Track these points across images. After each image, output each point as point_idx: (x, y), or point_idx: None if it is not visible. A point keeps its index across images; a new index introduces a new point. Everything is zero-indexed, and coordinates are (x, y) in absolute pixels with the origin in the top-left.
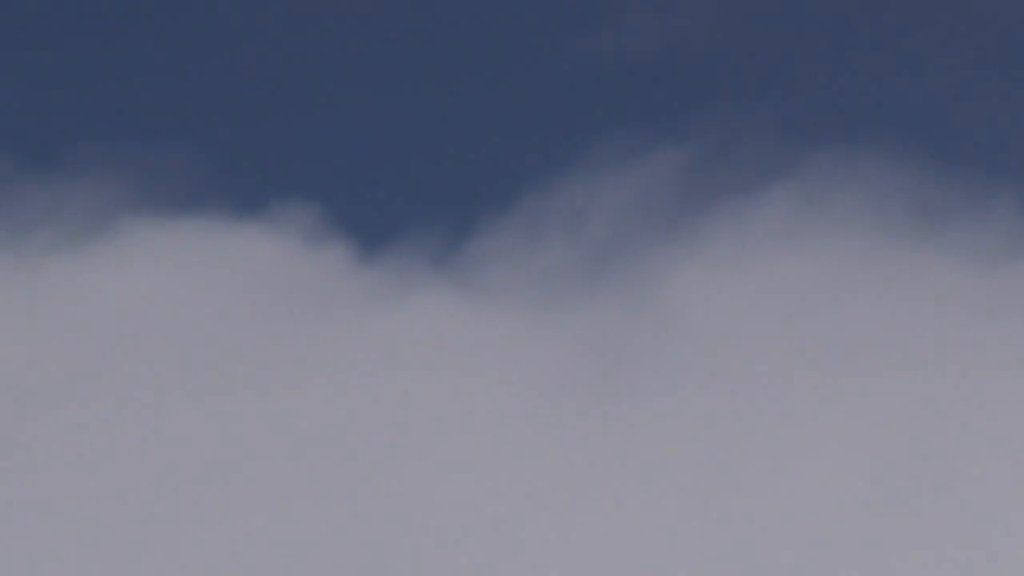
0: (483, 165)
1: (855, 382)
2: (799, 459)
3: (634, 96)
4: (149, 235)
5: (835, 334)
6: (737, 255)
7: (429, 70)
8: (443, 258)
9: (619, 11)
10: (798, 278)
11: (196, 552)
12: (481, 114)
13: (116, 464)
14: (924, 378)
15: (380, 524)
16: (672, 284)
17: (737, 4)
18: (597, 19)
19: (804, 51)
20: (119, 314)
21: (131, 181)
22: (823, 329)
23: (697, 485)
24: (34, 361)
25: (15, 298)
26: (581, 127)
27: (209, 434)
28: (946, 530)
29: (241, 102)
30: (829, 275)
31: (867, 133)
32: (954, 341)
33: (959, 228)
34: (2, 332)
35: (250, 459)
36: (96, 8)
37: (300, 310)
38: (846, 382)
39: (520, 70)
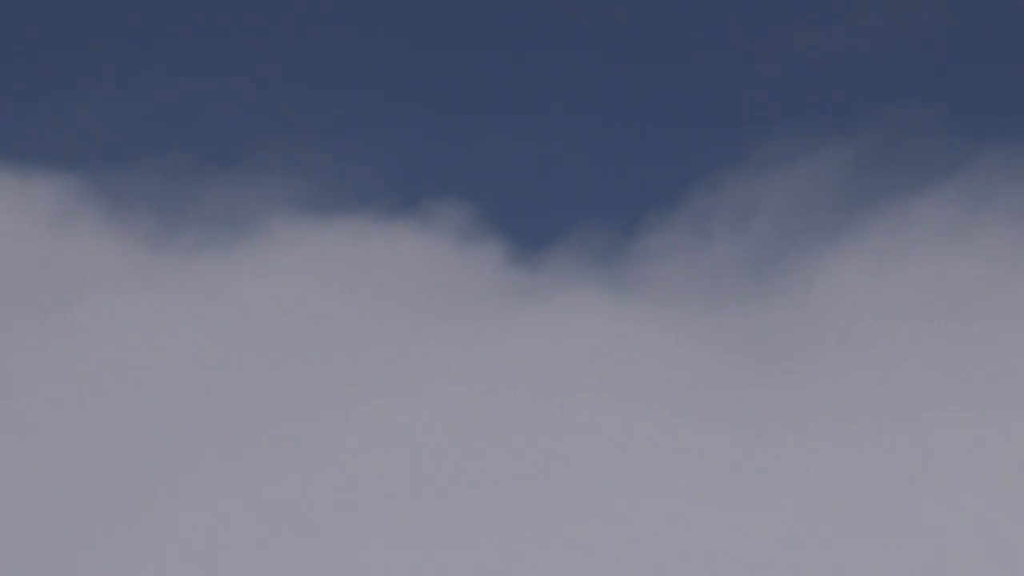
0: (651, 162)
1: (1019, 384)
2: (953, 461)
3: (802, 94)
4: (302, 233)
5: (998, 334)
6: (903, 253)
7: (594, 67)
8: (606, 256)
9: (787, 13)
10: (964, 276)
11: (340, 546)
12: (649, 110)
13: (267, 459)
14: None
15: (536, 520)
16: (836, 282)
17: (905, 3)
18: (763, 21)
19: (972, 49)
20: (269, 312)
21: (288, 179)
22: (987, 329)
23: (852, 484)
24: (185, 356)
25: (166, 294)
26: (749, 124)
27: (359, 431)
28: None
29: (398, 101)
30: (995, 274)
31: None
32: None
33: None
34: (154, 326)
35: (401, 456)
36: (278, 10)
37: (452, 308)
38: (1008, 384)
39: (688, 68)
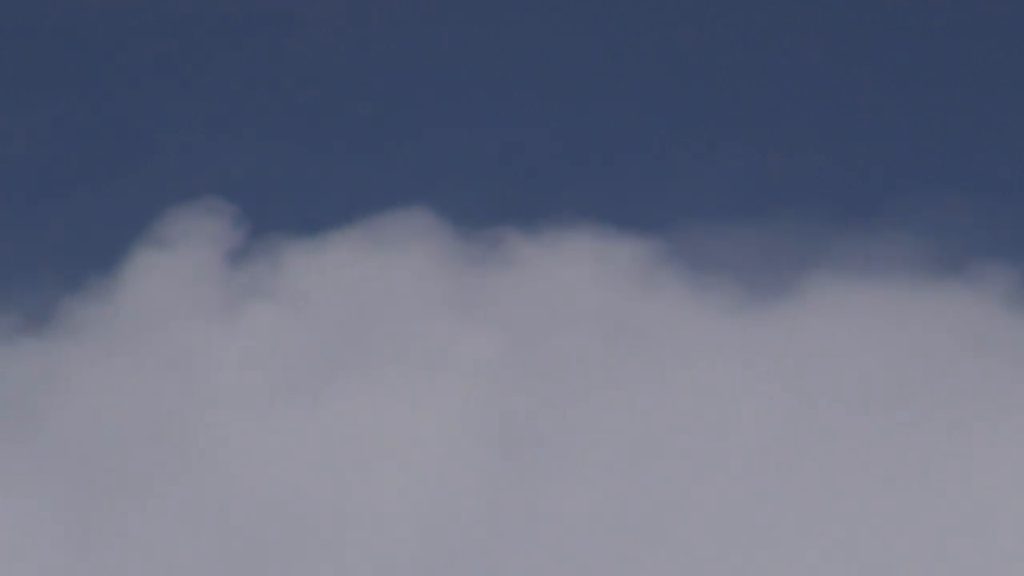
0: None
1: None
2: None
3: None
4: (835, 289)
5: None
6: None
7: None
8: None
9: None
10: None
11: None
12: None
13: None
14: None
15: None
16: None
17: None
18: None
19: None
20: (839, 372)
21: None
22: None
23: None
24: (758, 419)
25: (741, 356)
26: None
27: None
28: None
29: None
30: None
31: None
32: None
33: None
34: (732, 389)
35: None
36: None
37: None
38: None
39: None
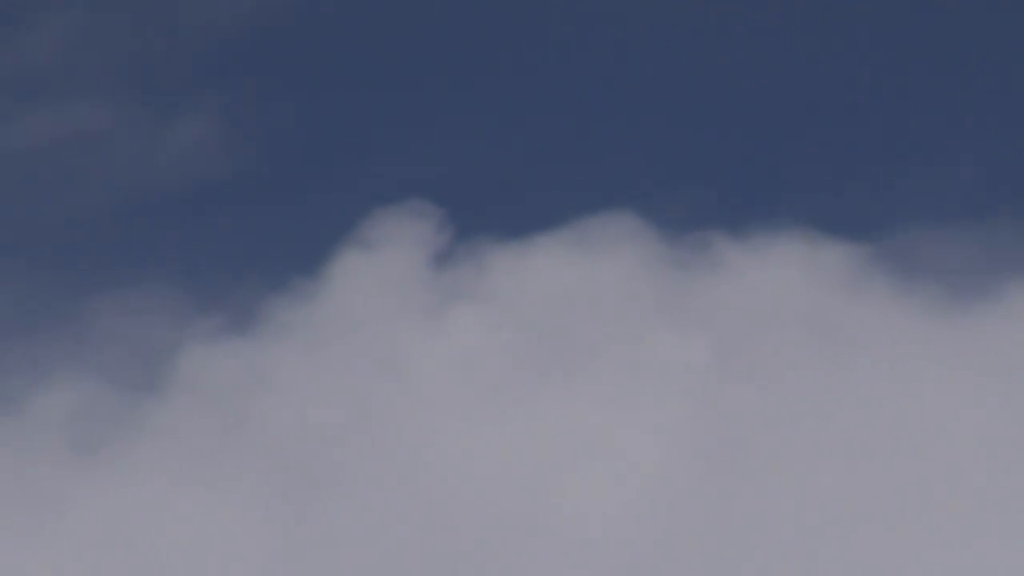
0: None
1: None
2: None
3: None
4: None
5: None
6: None
7: None
8: None
9: None
10: None
11: None
12: None
13: None
14: None
15: None
16: None
17: None
18: None
19: None
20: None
21: None
22: None
23: None
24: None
25: (947, 362)
26: None
27: None
28: None
29: None
30: None
31: None
32: None
33: None
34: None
35: None
36: None
37: None
38: None
39: None
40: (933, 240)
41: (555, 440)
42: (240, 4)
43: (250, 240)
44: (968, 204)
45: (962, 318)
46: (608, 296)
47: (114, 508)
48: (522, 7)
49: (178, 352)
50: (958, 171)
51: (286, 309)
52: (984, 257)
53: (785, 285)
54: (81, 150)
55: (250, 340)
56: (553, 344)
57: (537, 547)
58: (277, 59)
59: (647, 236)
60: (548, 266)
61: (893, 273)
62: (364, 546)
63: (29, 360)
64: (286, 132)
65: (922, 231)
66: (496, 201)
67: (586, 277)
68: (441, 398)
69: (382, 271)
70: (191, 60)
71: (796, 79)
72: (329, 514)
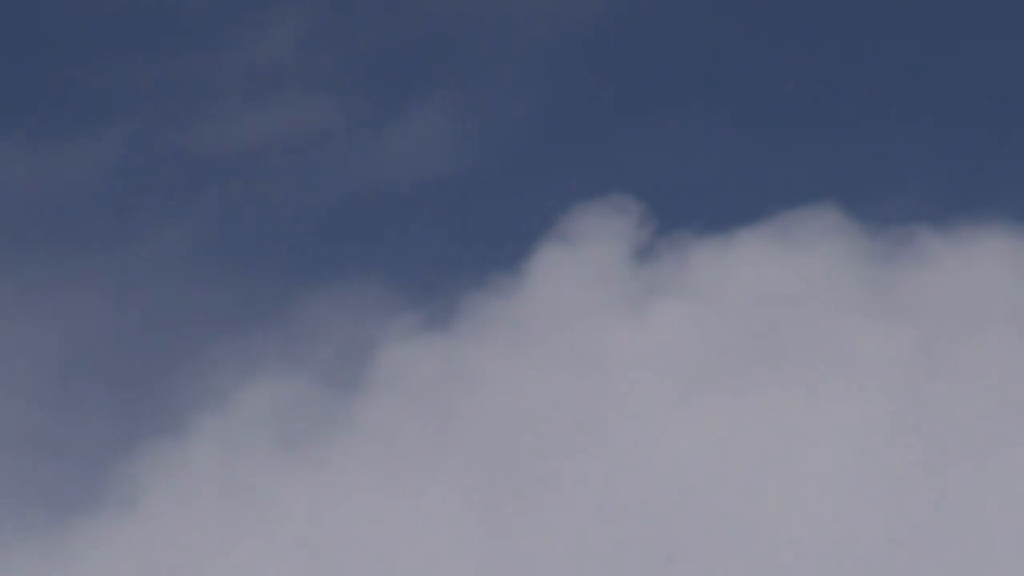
0: None
1: None
2: None
3: None
4: None
5: None
6: None
7: None
8: None
9: None
10: None
11: None
12: None
13: None
14: None
15: None
16: None
17: None
18: None
19: None
20: None
21: None
22: None
23: None
24: None
25: None
26: None
27: None
28: None
29: None
30: None
31: None
32: None
33: None
34: None
35: None
36: None
37: None
38: None
39: None
40: None
41: (758, 436)
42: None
43: (453, 236)
44: None
45: None
46: (811, 290)
47: (319, 503)
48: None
49: (381, 348)
50: None
51: (486, 305)
52: None
53: (991, 279)
54: (310, 147)
55: (452, 336)
56: (756, 339)
57: (741, 546)
58: (503, 56)
59: (850, 230)
60: (750, 260)
61: None
62: (567, 541)
63: (239, 356)
64: (488, 126)
65: None
66: (698, 195)
67: (789, 271)
68: (643, 393)
69: (583, 266)
70: (420, 57)
71: (1006, 71)
72: (533, 509)
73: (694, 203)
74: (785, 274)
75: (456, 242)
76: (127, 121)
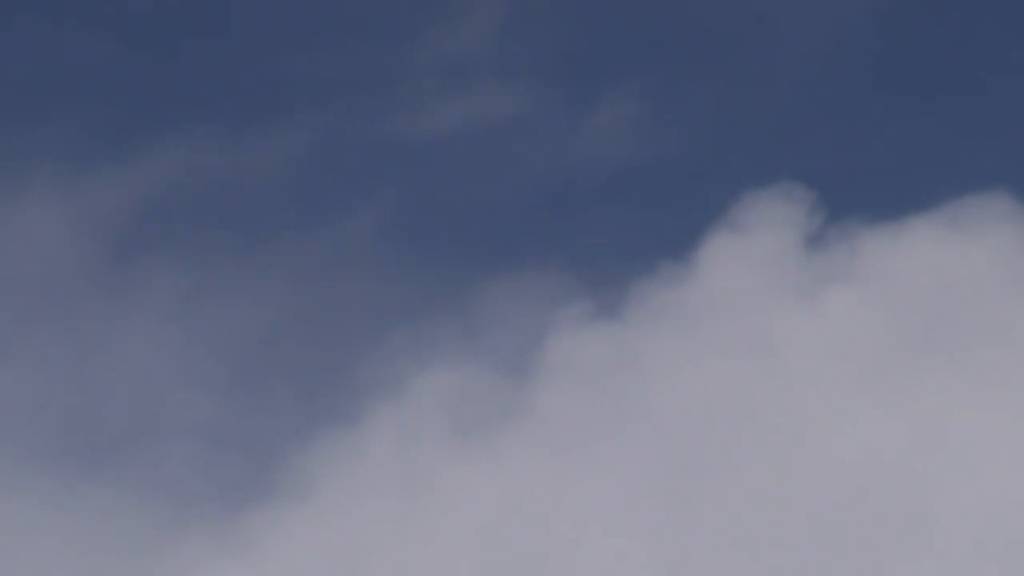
0: None
1: None
2: None
3: None
4: None
5: None
6: None
7: None
8: None
9: None
10: None
11: None
12: None
13: None
14: None
15: None
16: None
17: None
18: None
19: None
20: None
21: None
22: None
23: None
24: None
25: None
26: None
27: None
28: None
29: None
30: None
31: None
32: None
33: None
34: None
35: None
36: None
37: None
38: None
39: None
40: None
41: (931, 424)
42: None
43: (624, 225)
44: None
45: None
46: (983, 278)
47: (493, 491)
48: None
49: (553, 337)
50: None
51: (656, 293)
52: None
53: None
54: (501, 137)
55: (623, 325)
56: (927, 327)
57: (912, 539)
58: (692, 43)
59: (1022, 216)
60: (921, 248)
61: None
62: (737, 528)
63: (416, 345)
64: (695, 117)
65: None
66: (868, 182)
67: (960, 259)
68: (815, 380)
69: (753, 254)
70: (613, 44)
71: None
72: (704, 496)
73: (864, 191)
74: (956, 262)
75: (627, 231)
76: (321, 110)
